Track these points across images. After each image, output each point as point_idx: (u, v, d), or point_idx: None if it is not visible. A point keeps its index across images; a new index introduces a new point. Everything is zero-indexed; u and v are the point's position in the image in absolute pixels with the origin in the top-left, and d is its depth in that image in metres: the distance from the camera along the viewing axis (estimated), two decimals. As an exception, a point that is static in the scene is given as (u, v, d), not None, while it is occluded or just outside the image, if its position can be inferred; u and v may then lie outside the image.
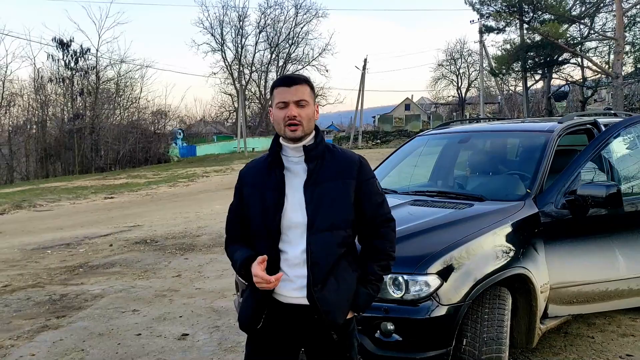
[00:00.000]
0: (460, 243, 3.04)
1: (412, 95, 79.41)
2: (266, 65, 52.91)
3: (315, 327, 2.12)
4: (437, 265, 2.90)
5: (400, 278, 2.87)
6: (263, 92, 53.87)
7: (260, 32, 51.29)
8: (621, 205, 3.49)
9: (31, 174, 33.91)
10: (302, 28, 51.97)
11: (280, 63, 53.06)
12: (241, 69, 51.50)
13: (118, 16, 77.65)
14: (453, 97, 64.73)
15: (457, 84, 63.03)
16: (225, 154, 41.23)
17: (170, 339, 4.56)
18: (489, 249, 3.13)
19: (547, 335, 3.98)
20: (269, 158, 2.19)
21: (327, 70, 58.25)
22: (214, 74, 63.97)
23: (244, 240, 2.23)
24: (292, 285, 2.10)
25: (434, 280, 2.86)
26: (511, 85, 46.96)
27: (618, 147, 4.10)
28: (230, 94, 52.46)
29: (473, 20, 36.18)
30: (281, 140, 2.16)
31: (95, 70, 36.66)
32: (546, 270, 3.40)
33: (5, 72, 32.43)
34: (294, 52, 52.91)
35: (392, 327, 2.83)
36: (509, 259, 3.18)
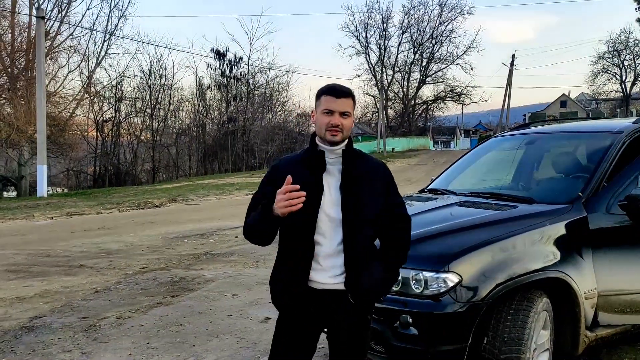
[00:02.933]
0: (487, 243, 3.11)
1: (570, 92, 73.68)
2: (409, 66, 52.72)
3: (345, 309, 2.40)
4: (457, 264, 3.00)
5: (421, 275, 3.03)
6: (406, 93, 53.73)
7: (403, 33, 51.34)
8: None
9: (193, 171, 37.65)
10: (446, 26, 51.03)
11: (424, 63, 52.51)
12: (384, 70, 51.90)
13: (267, 26, 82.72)
14: (616, 92, 58.86)
15: (621, 77, 57.20)
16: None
17: (255, 321, 5.10)
18: (520, 251, 3.15)
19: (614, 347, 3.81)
20: (308, 157, 2.44)
21: (471, 68, 56.25)
22: (358, 76, 65.48)
23: None
24: (327, 274, 2.37)
25: (452, 278, 2.97)
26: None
27: None
28: (373, 95, 53.21)
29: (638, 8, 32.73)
30: (318, 141, 2.42)
31: (246, 77, 39.69)
32: (592, 276, 3.30)
33: (172, 81, 36.29)
34: (437, 51, 52.07)
35: (410, 320, 3.01)
36: (544, 262, 3.16)
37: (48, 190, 19.82)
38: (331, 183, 2.38)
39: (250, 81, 39.96)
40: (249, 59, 40.15)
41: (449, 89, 54.15)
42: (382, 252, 2.48)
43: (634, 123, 3.88)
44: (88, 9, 35.90)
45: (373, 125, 56.84)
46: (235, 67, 38.90)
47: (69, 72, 33.20)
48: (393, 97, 55.36)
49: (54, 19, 31.68)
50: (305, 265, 2.38)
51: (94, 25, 35.44)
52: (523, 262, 3.11)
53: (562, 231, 3.29)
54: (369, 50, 52.04)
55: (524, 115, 67.01)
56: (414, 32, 51.38)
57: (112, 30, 35.03)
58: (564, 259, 3.22)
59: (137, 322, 5.16)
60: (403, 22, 51.32)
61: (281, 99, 42.51)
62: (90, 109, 34.49)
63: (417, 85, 54.01)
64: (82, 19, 42.71)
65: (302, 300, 2.40)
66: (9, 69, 29.31)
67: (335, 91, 2.38)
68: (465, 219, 3.41)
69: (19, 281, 6.97)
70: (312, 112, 2.48)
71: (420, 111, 56.95)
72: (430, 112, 57.43)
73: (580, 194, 3.47)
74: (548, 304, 3.23)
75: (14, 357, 4.36)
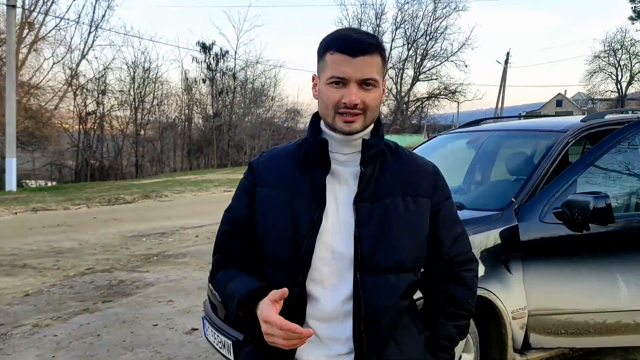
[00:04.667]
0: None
1: (566, 91, 73.55)
2: (403, 62, 52.24)
3: None
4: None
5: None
6: (400, 89, 53.33)
7: (397, 29, 50.77)
8: (612, 221, 2.86)
9: (178, 166, 37.16)
10: (440, 23, 50.47)
11: (418, 59, 52.09)
12: (376, 66, 51.51)
13: (255, 19, 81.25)
14: (612, 91, 58.72)
15: (617, 77, 57.03)
16: (355, 151, 41.43)
17: (179, 332, 4.69)
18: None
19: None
20: (304, 150, 1.54)
21: (466, 66, 55.67)
22: (351, 71, 64.70)
23: (244, 263, 1.56)
24: (324, 351, 1.45)
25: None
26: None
27: (632, 152, 3.36)
28: (365, 92, 52.73)
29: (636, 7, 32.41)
30: (323, 126, 1.50)
31: (232, 71, 39.17)
32: (522, 294, 2.91)
33: (156, 74, 35.78)
34: (431, 47, 51.62)
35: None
36: (463, 278, 2.76)
37: (31, 184, 19.40)
38: (340, 195, 1.48)
39: (237, 75, 39.51)
40: (235, 52, 39.63)
41: (443, 87, 53.81)
42: (427, 317, 1.58)
43: (581, 121, 3.49)
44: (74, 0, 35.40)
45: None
46: (222, 60, 38.43)
47: (54, 63, 32.72)
48: (386, 94, 54.99)
49: (38, 10, 31.08)
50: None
51: (79, 17, 34.86)
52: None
53: (487, 242, 2.90)
54: (362, 46, 51.45)
55: (520, 114, 66.78)
56: (407, 28, 50.98)
57: (99, 22, 34.45)
58: (487, 274, 2.83)
59: (53, 331, 4.74)
60: (397, 17, 50.86)
61: (270, 93, 42.12)
62: (74, 102, 33.95)
63: (410, 82, 53.65)
64: (68, 10, 41.87)
65: None
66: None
67: (349, 44, 1.40)
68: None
69: (-49, 282, 6.54)
70: (313, 78, 1.52)
71: (414, 108, 56.60)
72: (425, 110, 57.08)
73: (513, 199, 3.07)
74: (470, 324, 2.84)
75: None
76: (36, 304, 5.59)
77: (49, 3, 31.56)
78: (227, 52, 38.89)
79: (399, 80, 53.22)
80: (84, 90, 34.15)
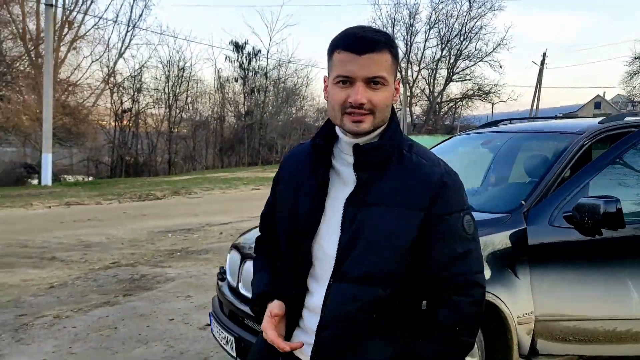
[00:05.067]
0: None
1: (605, 93, 71.65)
2: (436, 62, 51.73)
3: None
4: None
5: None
6: (432, 90, 52.83)
7: (430, 29, 50.29)
8: (622, 226, 2.76)
9: (209, 164, 37.65)
10: (475, 23, 49.79)
11: (452, 59, 51.48)
12: (409, 66, 51.09)
13: (288, 19, 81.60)
14: (652, 94, 56.91)
15: (658, 79, 55.19)
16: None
17: (194, 327, 4.74)
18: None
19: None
20: (314, 149, 1.53)
21: (501, 67, 54.71)
22: (383, 72, 64.43)
23: (273, 252, 1.64)
24: (304, 337, 1.51)
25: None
26: None
27: None
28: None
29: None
30: (337, 129, 1.50)
31: (264, 70, 39.44)
32: (529, 299, 2.84)
33: (190, 73, 36.30)
34: (465, 48, 50.94)
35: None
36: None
37: (69, 179, 19.96)
38: (341, 197, 1.45)
39: (269, 74, 39.77)
40: (268, 51, 39.91)
41: (477, 87, 53.05)
42: (411, 336, 1.46)
43: (599, 123, 3.38)
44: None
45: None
46: (254, 59, 38.74)
47: (92, 62, 33.54)
48: (419, 94, 54.53)
49: (78, 9, 31.91)
50: (290, 322, 1.54)
51: (117, 16, 35.63)
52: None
53: (494, 245, 2.83)
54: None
55: (556, 115, 65.29)
56: (442, 28, 50.45)
57: (136, 21, 35.14)
58: (492, 278, 2.76)
59: (72, 322, 4.86)
60: (431, 17, 50.40)
61: (302, 93, 42.30)
62: (110, 99, 34.74)
63: (444, 82, 53.08)
64: (106, 9, 42.86)
65: None
66: (33, 57, 29.63)
67: (356, 41, 1.37)
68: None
69: (-17, 272, 6.76)
70: (325, 80, 1.49)
71: (446, 109, 55.96)
72: (459, 111, 56.35)
73: (522, 202, 3.00)
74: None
75: None
76: (59, 295, 5.74)
77: (88, 2, 32.42)
78: (259, 51, 39.27)
79: (431, 80, 52.72)
80: (120, 88, 34.90)
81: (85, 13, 32.26)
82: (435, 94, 53.17)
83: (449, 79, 52.62)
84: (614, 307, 3.00)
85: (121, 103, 35.15)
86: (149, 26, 42.18)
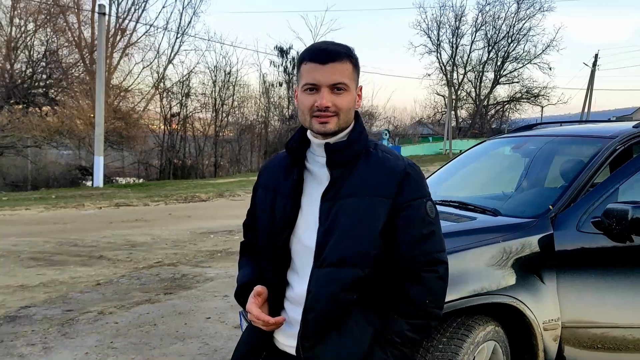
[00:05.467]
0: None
1: (663, 94, 68.73)
2: (483, 65, 50.85)
3: None
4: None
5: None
6: (479, 93, 51.93)
7: (477, 31, 49.51)
8: None
9: (254, 167, 38.16)
10: (524, 24, 48.70)
11: (499, 62, 50.50)
12: (455, 69, 50.42)
13: (331, 23, 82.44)
14: None
15: None
16: (429, 155, 40.92)
17: (229, 326, 4.88)
18: (459, 271, 2.71)
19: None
20: (289, 152, 1.70)
21: (550, 69, 53.11)
22: (428, 75, 63.93)
23: (254, 254, 1.83)
24: (290, 330, 1.64)
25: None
26: None
27: None
28: (443, 95, 51.73)
29: None
30: (309, 133, 1.66)
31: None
32: (555, 304, 2.80)
33: (236, 78, 36.94)
34: (513, 50, 49.88)
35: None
36: (490, 285, 2.71)
37: (120, 181, 20.73)
38: (315, 194, 1.61)
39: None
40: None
41: (525, 90, 51.82)
42: (386, 313, 1.61)
43: (633, 127, 3.30)
44: (163, 7, 37.61)
45: (443, 124, 55.33)
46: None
47: (143, 68, 34.65)
48: (465, 97, 53.72)
49: (130, 17, 33.04)
50: (273, 312, 1.66)
51: (167, 23, 36.67)
52: (462, 284, 2.66)
53: (519, 250, 2.81)
54: (440, 49, 50.70)
55: (610, 119, 63.04)
56: (488, 30, 49.57)
57: (185, 28, 36.08)
58: (517, 283, 2.75)
59: (115, 319, 5.07)
60: (477, 19, 49.62)
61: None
62: (160, 104, 35.76)
63: (490, 85, 52.10)
64: (157, 17, 44.15)
65: None
66: (87, 63, 30.84)
67: (319, 53, 1.55)
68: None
69: (36, 269, 7.12)
70: (295, 90, 1.68)
71: (493, 112, 54.88)
72: (507, 114, 55.16)
73: (551, 207, 2.97)
74: (498, 333, 2.78)
75: (-20, 347, 4.37)
76: (104, 292, 5.99)
77: (140, 11, 33.55)
78: (303, 56, 39.54)
79: (478, 83, 51.84)
80: (169, 93, 35.88)
81: (137, 21, 33.44)
82: (482, 97, 52.23)
83: (496, 82, 51.65)
84: (645, 315, 2.94)
85: (170, 107, 36.15)
86: (197, 33, 43.24)
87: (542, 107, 51.49)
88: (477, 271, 2.73)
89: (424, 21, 54.14)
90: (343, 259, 1.54)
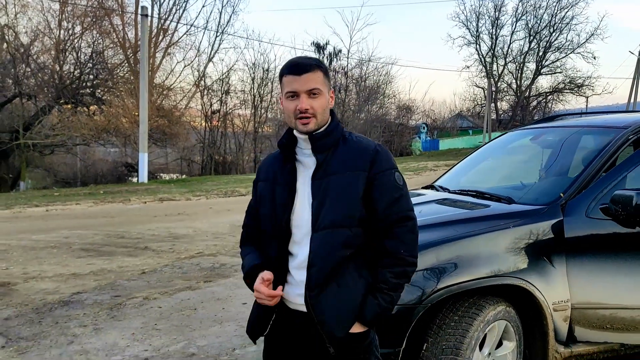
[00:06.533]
0: (434, 244, 2.89)
1: None
2: (524, 55, 49.74)
3: (319, 337, 1.93)
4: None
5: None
6: (520, 84, 50.86)
7: (517, 21, 48.47)
8: None
9: (294, 162, 38.66)
10: (566, 13, 47.35)
11: (540, 52, 49.29)
12: (495, 60, 49.53)
13: (367, 18, 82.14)
14: None
15: None
16: (468, 148, 40.44)
17: (264, 310, 5.17)
18: (472, 254, 2.89)
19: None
20: (281, 148, 2.06)
21: (594, 58, 51.33)
22: (467, 67, 62.89)
23: (258, 240, 2.12)
24: (297, 290, 1.97)
25: (388, 279, 2.82)
26: None
27: None
28: (482, 88, 50.95)
29: None
30: (294, 132, 2.02)
31: (345, 69, 39.83)
32: (565, 286, 2.97)
33: (274, 74, 37.34)
34: (555, 39, 48.59)
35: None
36: (500, 268, 2.88)
37: (164, 177, 21.47)
38: (306, 178, 1.98)
39: (349, 73, 40.07)
40: (348, 51, 40.23)
41: (568, 80, 50.42)
42: (372, 267, 1.98)
43: (647, 118, 3.41)
44: (203, 6, 38.58)
45: (483, 117, 54.40)
46: (335, 59, 39.19)
47: (185, 66, 35.51)
48: (505, 89, 52.70)
49: (171, 18, 33.88)
50: (279, 281, 1.98)
51: (207, 22, 37.40)
52: (473, 266, 2.86)
53: (530, 235, 2.98)
54: (480, 40, 49.91)
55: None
56: (529, 20, 48.45)
57: (224, 26, 36.75)
58: (527, 266, 2.92)
59: (159, 304, 5.44)
60: (517, 9, 48.56)
61: (383, 91, 42.22)
62: (201, 101, 36.58)
63: (532, 76, 50.92)
64: (197, 17, 45.04)
65: (276, 323, 2.03)
66: (132, 63, 31.82)
67: (295, 67, 1.93)
68: (427, 217, 3.21)
69: (86, 259, 7.60)
70: (280, 98, 2.08)
71: (535, 103, 53.65)
72: (549, 105, 53.86)
73: (561, 195, 3.12)
74: (509, 313, 2.96)
75: (38, 327, 4.79)
76: (149, 280, 6.39)
77: (180, 11, 34.34)
78: (340, 51, 39.65)
79: (519, 74, 50.71)
80: (210, 90, 36.64)
81: (178, 21, 34.23)
82: (523, 88, 51.11)
83: (537, 72, 50.39)
84: (651, 297, 3.06)
85: (210, 105, 36.91)
86: (236, 31, 43.97)
87: (587, 97, 49.96)
88: (488, 255, 2.92)
89: (463, 12, 53.33)
90: (334, 222, 1.90)
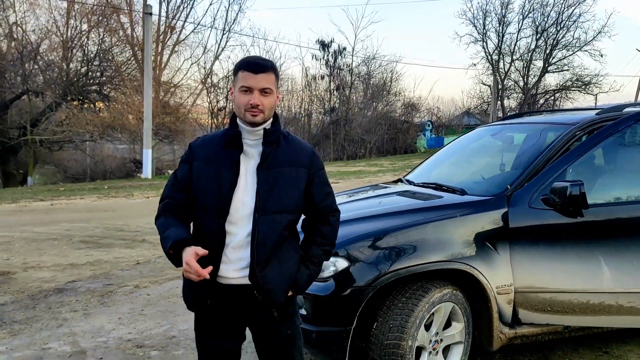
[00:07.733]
0: (386, 231, 3.13)
1: None
2: (530, 53, 49.58)
3: (257, 306, 2.23)
4: (348, 250, 3.08)
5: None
6: (526, 82, 50.72)
7: (524, 18, 48.32)
8: (585, 207, 3.03)
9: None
10: (573, 10, 47.14)
11: (547, 50, 49.12)
12: (501, 57, 49.44)
13: (372, 15, 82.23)
14: None
15: None
16: (474, 145, 40.29)
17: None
18: (420, 241, 3.12)
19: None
20: (226, 137, 2.24)
21: (601, 56, 51.02)
22: (474, 65, 62.74)
23: (180, 214, 2.28)
24: (233, 267, 2.19)
25: (342, 263, 3.06)
26: None
27: (621, 145, 3.40)
28: (489, 85, 50.86)
29: None
30: (238, 121, 2.23)
31: (349, 67, 40.04)
32: (508, 272, 3.19)
33: (280, 72, 37.60)
34: (562, 37, 48.38)
35: (302, 301, 3.15)
36: (446, 254, 3.11)
37: (170, 173, 21.73)
38: (249, 167, 2.20)
39: (353, 71, 40.25)
40: (353, 49, 40.41)
41: (575, 78, 50.20)
42: (304, 244, 2.36)
43: (596, 114, 3.61)
44: (211, 4, 38.97)
45: (489, 115, 54.29)
46: (340, 57, 39.41)
47: (192, 64, 35.84)
48: (512, 87, 52.56)
49: (178, 16, 34.21)
50: (214, 258, 2.18)
51: (214, 20, 37.65)
52: (422, 252, 3.09)
53: (477, 224, 3.21)
54: (487, 38, 49.80)
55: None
56: (536, 17, 48.26)
57: (231, 24, 37.02)
58: (473, 252, 3.15)
59: (148, 291, 5.71)
60: (524, 6, 48.49)
61: (389, 88, 42.33)
62: (207, 98, 36.89)
63: (539, 73, 50.76)
64: (204, 15, 45.34)
65: (212, 298, 2.25)
66: (140, 61, 32.15)
67: (253, 65, 2.15)
68: (383, 207, 3.44)
69: (85, 250, 7.89)
70: (230, 89, 2.27)
71: (542, 101, 53.46)
72: (557, 103, 53.65)
73: (508, 187, 3.34)
74: (456, 296, 3.19)
75: (32, 312, 5.07)
76: (142, 270, 6.66)
77: (188, 9, 34.65)
78: (344, 48, 39.85)
79: (526, 72, 50.55)
80: (216, 88, 36.94)
81: (186, 19, 34.54)
82: (530, 86, 50.97)
83: (544, 70, 50.20)
84: (587, 282, 3.27)
85: (217, 102, 37.23)
86: (242, 29, 44.26)
87: (595, 95, 49.73)
88: (436, 242, 3.15)
89: (470, 10, 53.20)
90: (282, 208, 2.21)
